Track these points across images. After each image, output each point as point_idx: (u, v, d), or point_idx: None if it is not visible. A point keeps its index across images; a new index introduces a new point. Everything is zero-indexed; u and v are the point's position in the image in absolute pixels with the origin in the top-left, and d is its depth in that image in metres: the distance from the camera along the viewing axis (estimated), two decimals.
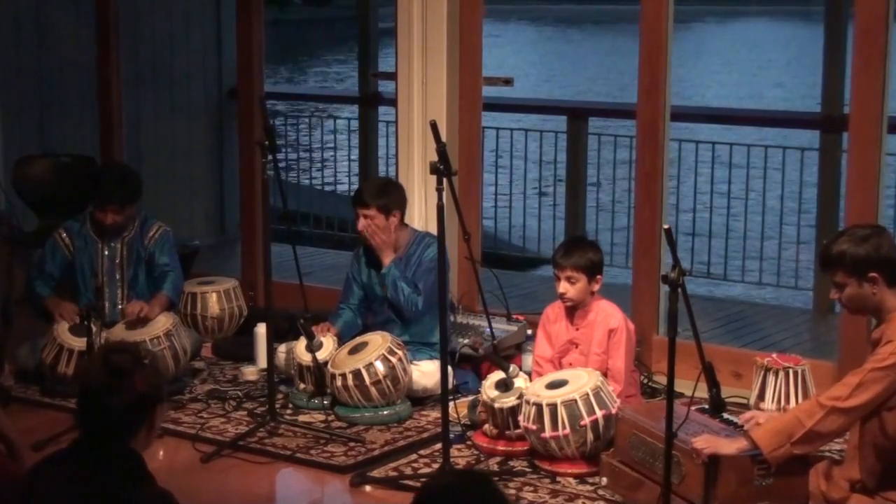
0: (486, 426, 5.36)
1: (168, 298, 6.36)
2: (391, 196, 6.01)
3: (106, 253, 6.37)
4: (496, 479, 5.01)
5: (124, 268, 6.39)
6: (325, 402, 5.77)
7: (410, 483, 4.97)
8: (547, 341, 5.64)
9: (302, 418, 5.74)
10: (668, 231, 4.14)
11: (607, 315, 5.50)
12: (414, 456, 5.33)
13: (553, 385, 5.15)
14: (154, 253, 6.41)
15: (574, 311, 5.55)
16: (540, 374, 5.53)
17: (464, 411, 5.61)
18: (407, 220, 6.26)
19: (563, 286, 5.50)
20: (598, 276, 5.50)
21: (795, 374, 5.53)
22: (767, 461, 4.32)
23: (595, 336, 5.49)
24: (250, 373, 6.35)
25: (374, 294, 6.19)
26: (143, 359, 3.41)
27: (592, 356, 5.47)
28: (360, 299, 6.23)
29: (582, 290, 5.49)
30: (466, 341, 6.21)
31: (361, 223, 5.99)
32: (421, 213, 6.65)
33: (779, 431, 4.31)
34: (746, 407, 5.46)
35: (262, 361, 6.12)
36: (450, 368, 5.33)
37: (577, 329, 5.55)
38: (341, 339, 6.02)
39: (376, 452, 5.36)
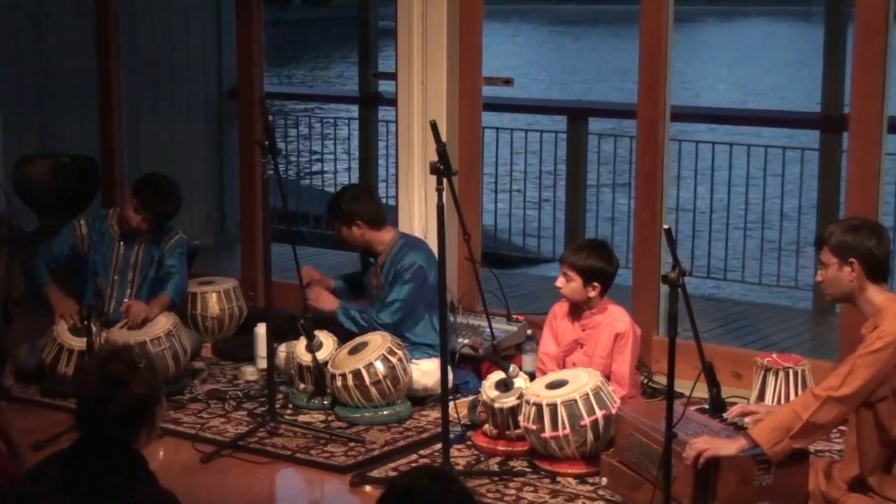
0: (486, 426, 5.36)
1: (170, 299, 6.36)
2: (350, 205, 6.06)
3: (122, 252, 6.39)
4: (496, 479, 5.02)
5: (137, 270, 6.41)
6: (325, 402, 5.78)
7: None
8: (552, 338, 5.65)
9: (302, 418, 5.74)
10: (668, 231, 4.15)
11: (615, 319, 5.51)
12: (414, 456, 5.33)
13: (553, 385, 5.16)
14: (164, 255, 6.43)
15: (581, 310, 5.56)
16: (543, 371, 5.55)
17: (464, 411, 5.61)
18: (407, 221, 6.26)
19: (560, 281, 5.56)
20: (596, 283, 5.48)
21: (795, 374, 5.53)
22: (768, 458, 4.33)
23: (601, 339, 5.50)
24: (250, 373, 6.35)
25: (364, 289, 6.26)
26: (138, 364, 3.41)
27: (596, 359, 5.47)
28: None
29: (576, 290, 5.50)
30: (466, 341, 6.21)
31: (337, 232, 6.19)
32: (421, 213, 6.65)
33: (777, 427, 4.33)
34: None
35: (262, 361, 6.13)
36: (449, 368, 5.34)
37: (584, 330, 5.56)
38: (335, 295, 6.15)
39: (376, 452, 5.36)
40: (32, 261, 6.42)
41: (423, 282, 5.95)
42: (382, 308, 6.00)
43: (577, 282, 5.49)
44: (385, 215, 6.19)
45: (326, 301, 6.11)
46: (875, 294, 4.33)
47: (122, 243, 6.40)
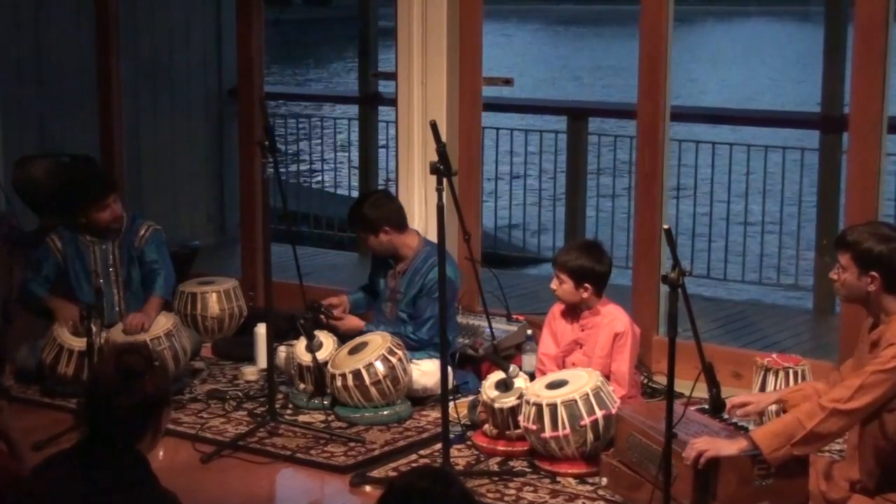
0: (486, 426, 5.36)
1: (160, 300, 6.36)
2: (374, 212, 6.02)
3: (98, 255, 6.36)
4: (496, 479, 5.02)
5: (118, 269, 6.39)
6: (325, 402, 5.77)
7: None
8: (552, 339, 5.65)
9: (302, 418, 5.74)
10: (668, 231, 4.14)
11: (614, 319, 5.51)
12: (414, 456, 5.33)
13: (553, 385, 5.16)
14: (144, 251, 6.40)
15: (579, 311, 5.56)
16: (542, 372, 5.55)
17: (464, 411, 5.61)
18: (407, 221, 6.25)
19: (554, 283, 5.57)
20: (587, 284, 5.48)
21: (795, 374, 5.52)
22: (767, 461, 4.33)
23: (600, 339, 5.50)
24: (250, 373, 6.35)
25: (376, 292, 6.25)
26: (154, 361, 3.43)
27: (595, 359, 5.47)
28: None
29: (568, 292, 5.51)
30: (466, 341, 6.21)
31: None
32: (421, 213, 6.65)
33: (779, 433, 4.32)
34: None
35: (262, 361, 6.13)
36: (450, 368, 5.34)
37: (583, 330, 5.56)
38: (351, 312, 6.15)
39: (376, 452, 5.36)
40: (26, 291, 6.39)
41: (454, 294, 6.01)
42: (418, 326, 5.98)
43: (568, 283, 5.50)
44: (406, 215, 6.17)
45: (354, 322, 6.12)
46: (891, 305, 4.29)
47: (95, 247, 6.37)
